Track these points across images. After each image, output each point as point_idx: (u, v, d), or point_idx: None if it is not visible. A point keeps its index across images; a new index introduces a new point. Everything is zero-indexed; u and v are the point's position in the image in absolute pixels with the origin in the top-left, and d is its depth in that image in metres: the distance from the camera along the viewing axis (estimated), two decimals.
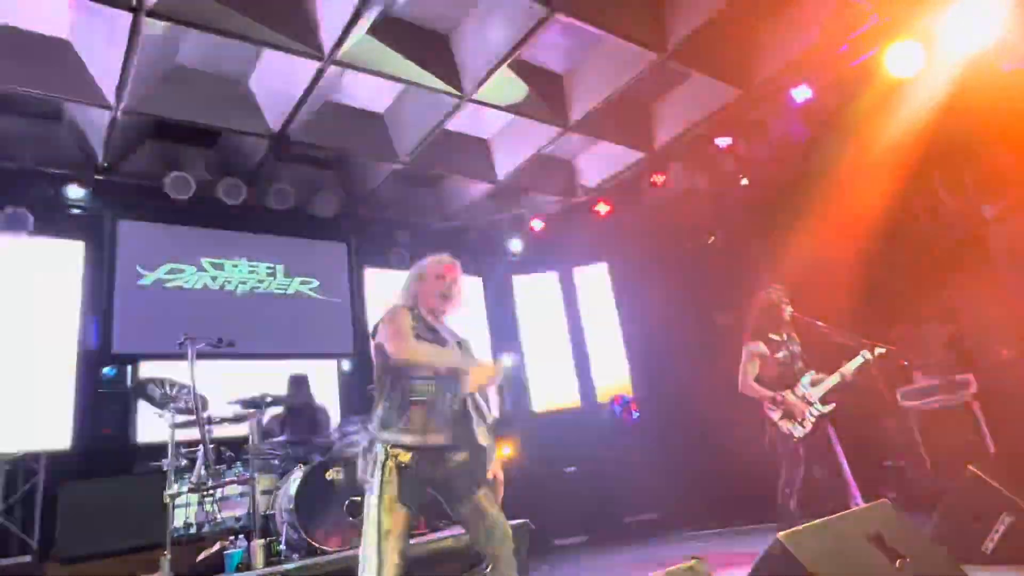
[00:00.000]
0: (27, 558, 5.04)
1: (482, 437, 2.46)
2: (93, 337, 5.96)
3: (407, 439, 2.36)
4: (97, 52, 4.85)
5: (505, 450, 7.50)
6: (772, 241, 6.26)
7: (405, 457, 2.34)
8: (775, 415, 4.02)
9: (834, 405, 4.05)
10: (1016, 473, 3.07)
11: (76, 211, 6.08)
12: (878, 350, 4.00)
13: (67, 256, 5.95)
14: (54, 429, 5.41)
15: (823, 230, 5.78)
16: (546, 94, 6.07)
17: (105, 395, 5.91)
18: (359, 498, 4.30)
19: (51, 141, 5.81)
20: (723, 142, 6.52)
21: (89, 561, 4.66)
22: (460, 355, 2.57)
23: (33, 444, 5.31)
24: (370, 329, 2.58)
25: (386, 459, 2.33)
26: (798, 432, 3.96)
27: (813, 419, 3.99)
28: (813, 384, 4.09)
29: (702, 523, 6.50)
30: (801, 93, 5.75)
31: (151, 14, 4.25)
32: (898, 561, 2.24)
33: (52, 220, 5.93)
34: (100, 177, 6.04)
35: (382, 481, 2.31)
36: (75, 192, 5.95)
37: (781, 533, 2.13)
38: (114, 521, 4.84)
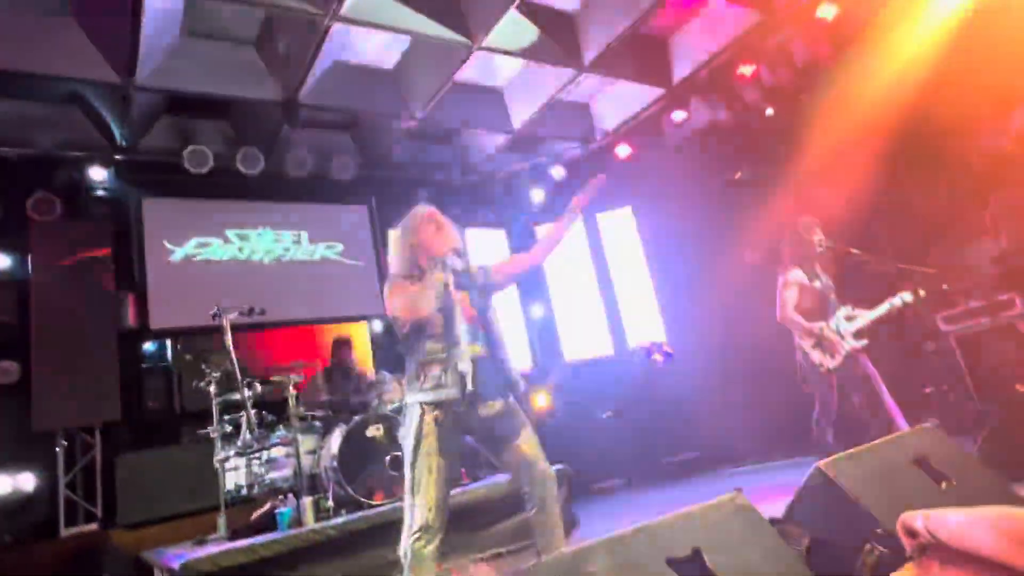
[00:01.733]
0: (94, 526, 5.32)
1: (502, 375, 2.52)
2: (131, 315, 6.12)
3: (428, 397, 2.46)
4: (101, 27, 4.81)
5: (541, 399, 7.58)
6: (801, 171, 6.05)
7: (432, 414, 2.44)
8: (807, 344, 3.96)
9: (867, 341, 3.97)
10: None
11: (101, 192, 6.15)
12: (922, 292, 3.87)
13: (98, 237, 6.04)
14: (105, 404, 5.61)
15: (854, 154, 5.56)
16: (558, 35, 5.86)
17: (148, 370, 6.11)
18: (400, 453, 4.42)
19: (69, 124, 5.84)
20: (746, 71, 6.25)
21: (150, 526, 4.89)
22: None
23: (88, 419, 5.54)
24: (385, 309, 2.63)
25: (421, 415, 2.44)
26: (829, 363, 3.90)
27: (845, 352, 3.92)
28: (848, 319, 4.00)
29: (741, 460, 6.53)
30: (827, 10, 5.44)
31: None
32: (944, 483, 2.20)
33: (79, 203, 6.02)
34: (120, 157, 6.09)
35: (419, 436, 2.42)
36: (98, 174, 6.00)
37: (821, 462, 2.10)
38: (169, 487, 5.07)
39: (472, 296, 2.59)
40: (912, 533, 1.45)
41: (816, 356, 3.93)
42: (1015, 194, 5.15)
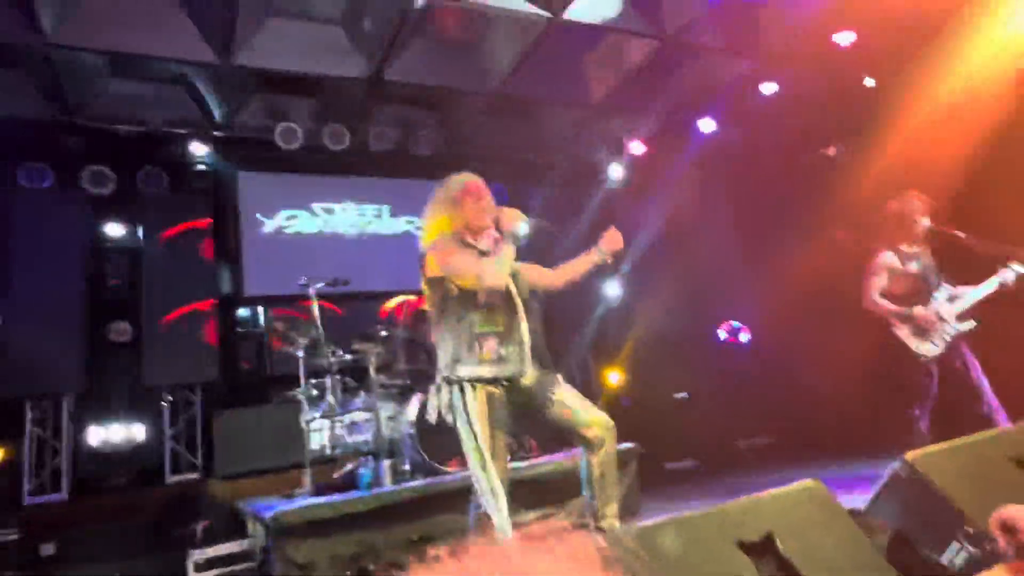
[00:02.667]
0: (195, 475, 5.80)
1: (532, 365, 2.45)
2: (227, 282, 6.54)
3: (484, 371, 2.35)
4: (201, 10, 5.08)
5: (614, 376, 7.56)
6: (902, 148, 5.64)
7: (486, 389, 2.35)
8: (902, 333, 3.71)
9: (973, 323, 3.67)
10: None
11: (201, 167, 6.56)
12: None
13: (199, 209, 6.47)
14: (205, 365, 6.06)
15: (963, 129, 5.13)
16: (641, 5, 5.69)
17: (242, 334, 6.53)
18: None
19: (174, 103, 6.24)
20: (844, 39, 5.86)
21: (243, 478, 5.28)
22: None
23: (191, 377, 6.01)
24: (421, 268, 2.51)
25: (474, 392, 2.34)
26: (930, 351, 3.64)
27: (948, 338, 3.64)
28: (951, 300, 3.70)
29: (820, 448, 6.28)
30: None
31: None
32: None
33: (182, 176, 6.46)
34: (218, 133, 6.46)
35: (470, 414, 2.32)
36: (199, 149, 6.41)
37: (909, 453, 2.00)
38: (260, 444, 5.43)
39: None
40: (1010, 530, 1.38)
41: (914, 344, 3.67)
42: None
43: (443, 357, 2.44)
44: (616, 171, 7.94)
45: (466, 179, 2.64)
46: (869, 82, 6.17)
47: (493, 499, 2.31)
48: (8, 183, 5.68)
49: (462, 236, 2.53)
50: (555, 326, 7.91)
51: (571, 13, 5.34)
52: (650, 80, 6.93)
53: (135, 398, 5.84)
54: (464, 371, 2.36)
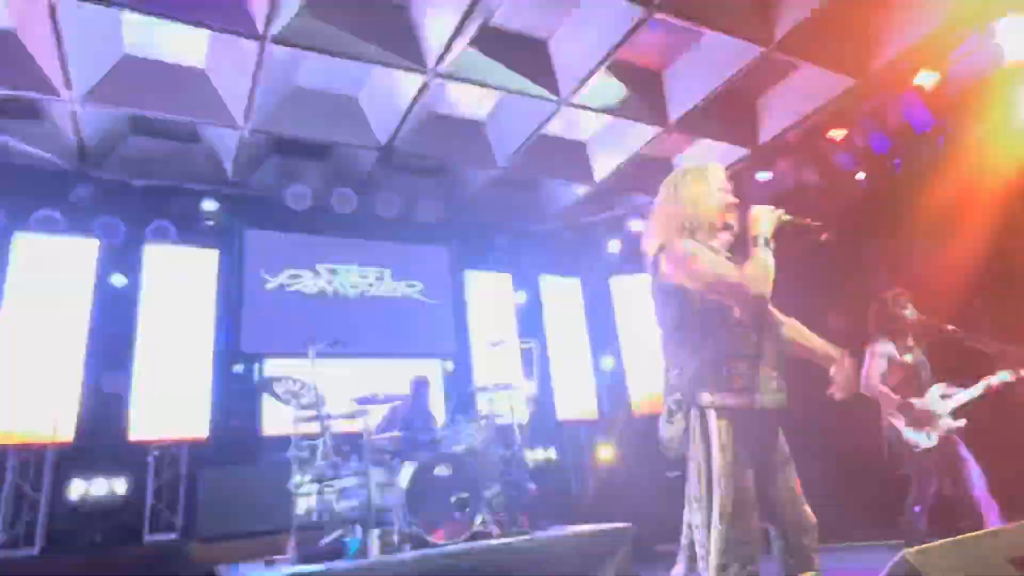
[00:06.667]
0: (173, 535, 5.63)
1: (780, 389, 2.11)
2: (225, 337, 6.54)
3: (731, 400, 1.98)
4: (227, 78, 5.34)
5: (604, 453, 7.47)
6: (893, 239, 5.84)
7: (727, 419, 1.96)
8: (900, 423, 3.75)
9: (965, 422, 3.73)
10: None
11: (210, 222, 6.69)
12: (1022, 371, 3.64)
13: (203, 263, 6.56)
14: (194, 421, 5.98)
15: (951, 225, 5.33)
16: (644, 94, 6.00)
17: (235, 390, 6.47)
18: (465, 495, 4.48)
19: (188, 160, 6.44)
20: (837, 135, 6.17)
21: (225, 541, 5.12)
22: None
23: (177, 433, 5.91)
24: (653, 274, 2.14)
25: (718, 419, 1.96)
26: (924, 443, 3.68)
27: (941, 432, 3.70)
28: (943, 397, 3.78)
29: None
30: (927, 78, 5.34)
31: (276, 41, 4.62)
32: None
33: (190, 231, 6.57)
34: (230, 191, 6.63)
35: (713, 447, 1.95)
36: (209, 205, 6.56)
37: (908, 550, 2.00)
38: (245, 505, 5.31)
39: None
40: None
41: (911, 435, 3.71)
42: None
43: (679, 379, 2.06)
44: (614, 246, 8.13)
45: (703, 166, 2.28)
46: (860, 175, 6.42)
47: (723, 554, 1.86)
48: (22, 229, 5.80)
49: (693, 235, 2.14)
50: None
51: (578, 98, 5.61)
52: (651, 161, 7.21)
53: (119, 452, 5.72)
54: (707, 397, 1.99)
